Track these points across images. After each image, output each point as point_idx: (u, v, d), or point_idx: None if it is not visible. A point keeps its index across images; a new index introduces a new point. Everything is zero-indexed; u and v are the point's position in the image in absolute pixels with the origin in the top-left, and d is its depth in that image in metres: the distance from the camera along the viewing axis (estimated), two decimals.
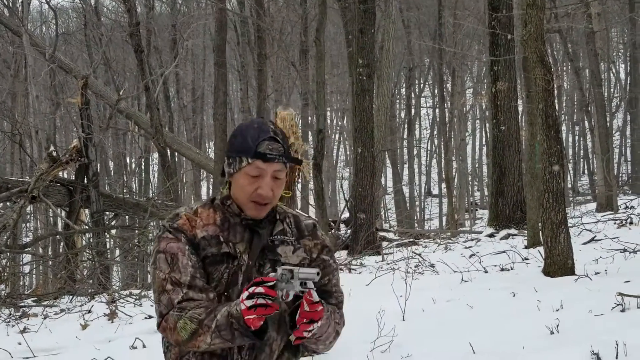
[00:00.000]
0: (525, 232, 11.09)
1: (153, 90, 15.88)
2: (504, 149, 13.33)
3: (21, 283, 13.25)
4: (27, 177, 14.51)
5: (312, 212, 21.21)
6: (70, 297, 8.99)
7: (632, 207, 13.97)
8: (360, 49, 12.87)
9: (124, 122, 24.40)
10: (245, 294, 1.99)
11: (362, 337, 5.57)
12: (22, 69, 19.97)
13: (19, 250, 11.67)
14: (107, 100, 18.47)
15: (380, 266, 9.99)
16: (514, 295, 6.79)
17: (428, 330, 5.85)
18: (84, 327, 7.05)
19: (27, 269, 13.74)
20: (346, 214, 15.64)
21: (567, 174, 28.99)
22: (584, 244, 9.79)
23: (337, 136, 38.23)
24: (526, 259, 9.06)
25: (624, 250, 8.61)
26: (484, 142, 34.35)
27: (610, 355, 4.59)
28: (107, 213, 13.04)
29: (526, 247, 10.14)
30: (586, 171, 35.70)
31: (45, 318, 7.63)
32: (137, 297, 8.16)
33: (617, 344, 4.60)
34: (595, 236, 10.24)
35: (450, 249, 11.81)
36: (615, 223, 11.71)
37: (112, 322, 7.19)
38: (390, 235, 15.63)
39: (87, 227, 12.16)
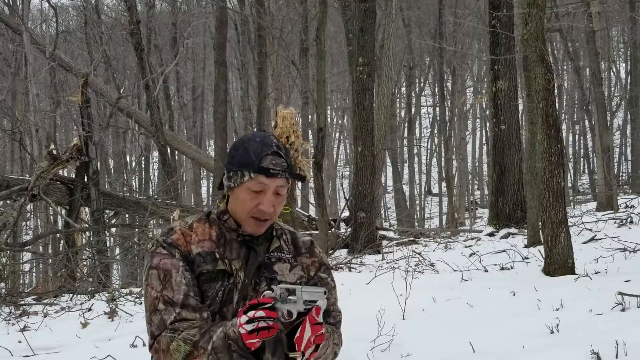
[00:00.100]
0: (526, 231, 11.09)
1: (153, 88, 15.88)
2: (504, 148, 13.33)
3: (21, 281, 13.26)
4: (28, 176, 14.51)
5: (312, 210, 21.21)
6: (71, 295, 8.99)
7: (633, 206, 13.96)
8: (360, 47, 12.87)
9: (124, 121, 24.38)
10: (244, 319, 1.88)
11: (362, 336, 5.57)
12: (23, 67, 19.94)
13: (19, 248, 11.67)
14: (108, 99, 18.48)
15: (380, 265, 9.99)
16: (514, 295, 6.79)
17: (428, 329, 5.85)
18: (84, 325, 7.06)
19: (27, 267, 13.75)
20: (346, 213, 15.64)
21: (567, 173, 28.99)
22: (584, 243, 9.79)
23: (337, 135, 38.23)
24: (526, 258, 9.06)
25: (624, 250, 8.61)
26: (484, 141, 34.36)
27: (611, 355, 4.59)
28: (107, 211, 13.05)
29: (526, 246, 10.14)
30: (586, 170, 35.69)
31: (45, 316, 7.63)
32: (138, 296, 8.16)
33: (617, 344, 4.61)
34: (595, 235, 10.24)
35: (450, 248, 11.81)
36: (615, 222, 11.70)
37: (113, 320, 7.19)
38: (391, 234, 15.64)
39: (87, 225, 12.17)
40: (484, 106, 30.70)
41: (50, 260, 12.50)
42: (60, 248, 13.63)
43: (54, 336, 6.73)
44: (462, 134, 29.18)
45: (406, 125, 33.61)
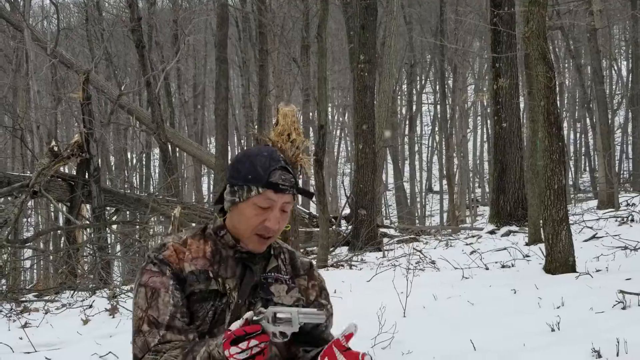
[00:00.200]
0: (526, 229, 11.09)
1: (154, 85, 15.89)
2: (505, 146, 13.32)
3: (22, 278, 13.27)
4: (29, 172, 14.52)
5: (313, 208, 21.21)
6: (72, 292, 8.99)
7: (634, 204, 13.96)
8: (361, 45, 12.86)
9: (125, 118, 24.38)
10: (234, 349, 1.79)
11: (363, 334, 5.57)
12: (24, 63, 19.94)
13: (20, 245, 11.67)
14: (109, 96, 18.47)
15: (381, 262, 9.99)
16: (514, 292, 6.79)
17: (429, 326, 5.85)
18: (85, 322, 7.06)
19: (28, 263, 13.74)
20: (347, 210, 15.65)
21: (568, 171, 28.98)
22: (585, 241, 9.79)
23: (338, 132, 38.23)
24: (527, 256, 9.06)
25: (625, 248, 8.61)
26: (485, 139, 34.35)
27: (611, 353, 4.59)
28: (108, 208, 13.06)
29: (527, 244, 10.14)
30: (587, 168, 35.69)
31: (46, 313, 7.63)
32: None
33: (618, 342, 4.60)
34: (596, 233, 10.24)
35: (451, 246, 11.81)
36: (616, 220, 11.70)
37: (114, 317, 7.20)
38: (391, 232, 15.64)
39: (88, 222, 12.17)
40: (485, 104, 30.70)
41: (51, 257, 12.52)
42: (61, 245, 13.63)
43: (55, 333, 6.73)
44: (463, 131, 29.19)
45: (407, 122, 33.62)
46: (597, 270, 7.42)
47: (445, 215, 29.35)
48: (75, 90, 14.91)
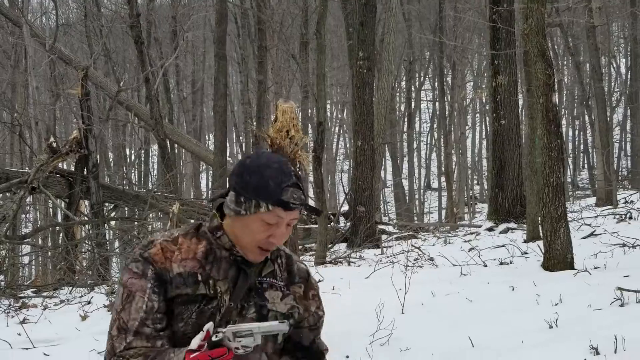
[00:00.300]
0: (525, 226, 11.09)
1: (153, 81, 15.86)
2: (504, 143, 13.32)
3: (21, 274, 13.27)
4: (27, 168, 14.51)
5: (311, 204, 21.18)
6: (70, 288, 9.00)
7: (632, 201, 13.96)
8: (360, 41, 12.85)
9: (124, 114, 24.38)
10: None
11: (362, 330, 5.58)
12: (22, 59, 19.92)
13: (19, 241, 11.68)
14: (107, 92, 18.46)
15: (379, 259, 10.00)
16: (513, 289, 6.80)
17: (427, 323, 5.86)
18: (84, 318, 7.07)
19: (26, 259, 13.75)
20: (346, 207, 15.65)
21: (567, 169, 29.00)
22: (584, 238, 9.80)
23: (337, 129, 38.21)
24: (525, 253, 9.07)
25: (623, 245, 8.62)
26: (483, 136, 34.36)
27: (609, 350, 4.60)
28: (107, 204, 13.05)
29: (525, 241, 10.15)
30: (586, 165, 35.71)
31: (44, 309, 7.64)
32: None
33: (616, 339, 4.61)
34: (594, 231, 10.25)
35: (449, 243, 11.82)
36: (614, 217, 11.71)
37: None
38: (390, 229, 15.66)
39: (86, 218, 12.17)
40: (484, 101, 30.70)
41: (49, 253, 12.51)
42: (60, 241, 13.62)
43: (54, 329, 6.74)
44: (461, 128, 29.17)
45: (406, 119, 33.60)
46: (595, 268, 7.43)
47: (443, 212, 29.35)
48: (74, 87, 14.91)
